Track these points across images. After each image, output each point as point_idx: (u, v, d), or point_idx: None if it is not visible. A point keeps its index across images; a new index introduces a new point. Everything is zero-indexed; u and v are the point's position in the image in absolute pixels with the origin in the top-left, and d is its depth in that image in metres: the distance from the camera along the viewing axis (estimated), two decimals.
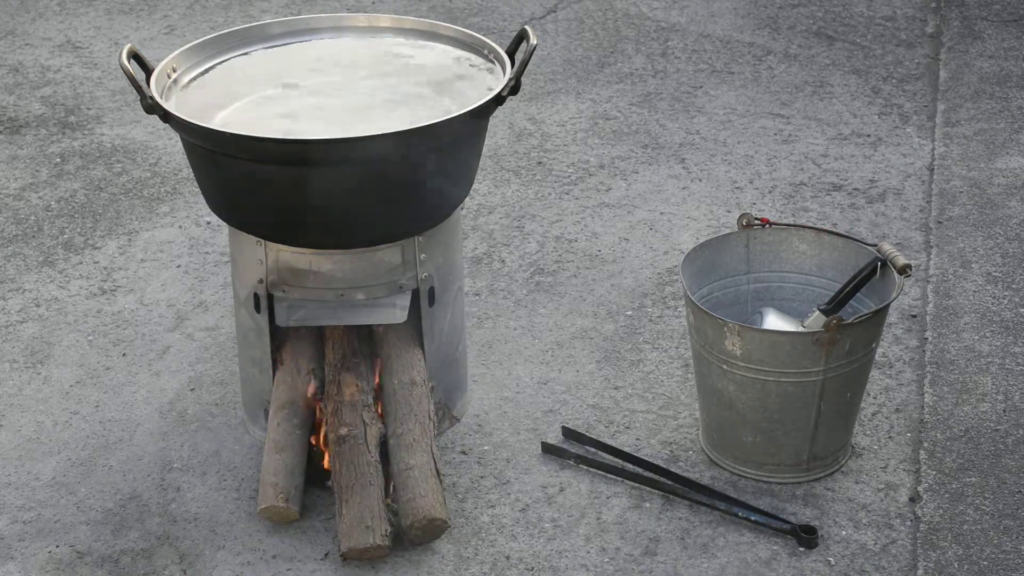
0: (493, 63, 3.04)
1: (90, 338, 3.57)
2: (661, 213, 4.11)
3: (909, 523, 2.94)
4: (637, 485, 3.04)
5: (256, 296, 3.01)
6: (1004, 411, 3.26)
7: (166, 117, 2.83)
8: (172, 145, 4.47)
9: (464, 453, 3.15)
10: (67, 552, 2.90)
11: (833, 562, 2.85)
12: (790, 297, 3.18)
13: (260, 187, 2.81)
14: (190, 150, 2.93)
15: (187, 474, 3.10)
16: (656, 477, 3.04)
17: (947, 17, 5.47)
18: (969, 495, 3.01)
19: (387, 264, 2.96)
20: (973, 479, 3.06)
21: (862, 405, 3.14)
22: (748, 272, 3.20)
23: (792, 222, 3.94)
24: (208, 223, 4.06)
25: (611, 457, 3.11)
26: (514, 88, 2.92)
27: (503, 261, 3.88)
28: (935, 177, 4.29)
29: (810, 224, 3.85)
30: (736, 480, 3.06)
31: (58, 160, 4.47)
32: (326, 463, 2.99)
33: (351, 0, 5.61)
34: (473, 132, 2.93)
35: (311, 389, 3.05)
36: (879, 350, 3.30)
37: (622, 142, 4.54)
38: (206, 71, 3.07)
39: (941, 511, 2.97)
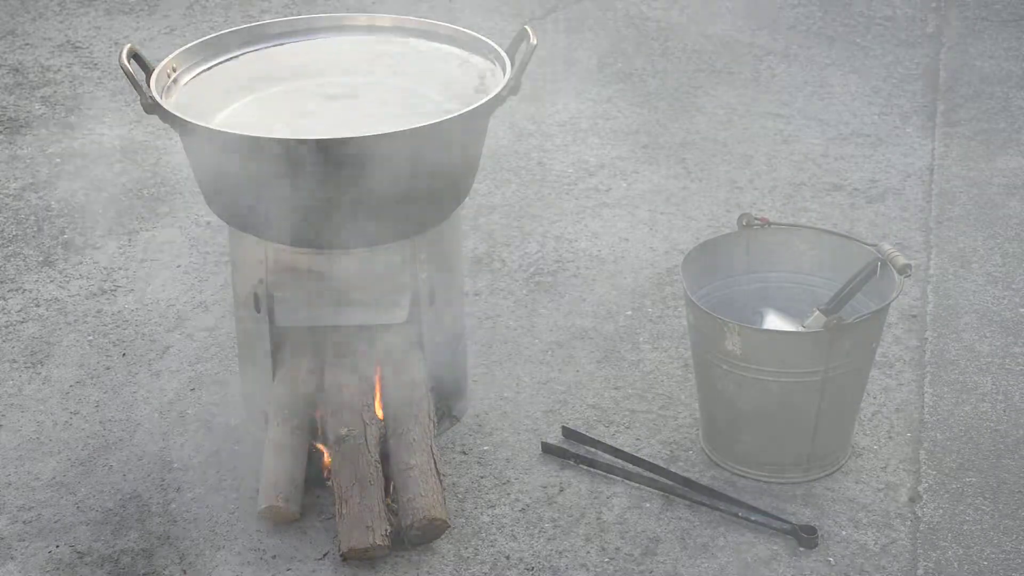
0: (493, 63, 3.04)
1: (90, 338, 3.57)
2: (661, 213, 4.11)
3: (909, 523, 2.94)
4: (637, 485, 3.04)
5: (256, 296, 3.01)
6: (1004, 411, 3.26)
7: (166, 117, 2.83)
8: (172, 145, 4.47)
9: (464, 453, 3.15)
10: (67, 552, 2.90)
11: (833, 562, 2.85)
12: (790, 297, 3.18)
13: (260, 187, 2.81)
14: (190, 150, 2.93)
15: (187, 474, 3.10)
16: (656, 477, 3.04)
17: (947, 17, 5.47)
18: (969, 495, 3.01)
19: (387, 264, 2.96)
20: (973, 479, 3.06)
21: (862, 405, 3.14)
22: (748, 272, 3.20)
23: (792, 222, 3.94)
24: (208, 223, 4.06)
25: (611, 457, 3.11)
26: (514, 88, 2.92)
27: (503, 261, 3.88)
28: (935, 177, 4.29)
29: (810, 224, 3.86)
30: (736, 480, 3.06)
31: (58, 160, 4.47)
32: (326, 463, 2.99)
33: (351, 0, 5.61)
34: (473, 132, 2.93)
35: (311, 389, 3.05)
36: (879, 350, 3.30)
37: (622, 142, 4.54)
38: (206, 71, 3.07)
39: (941, 511, 2.97)
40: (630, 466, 3.08)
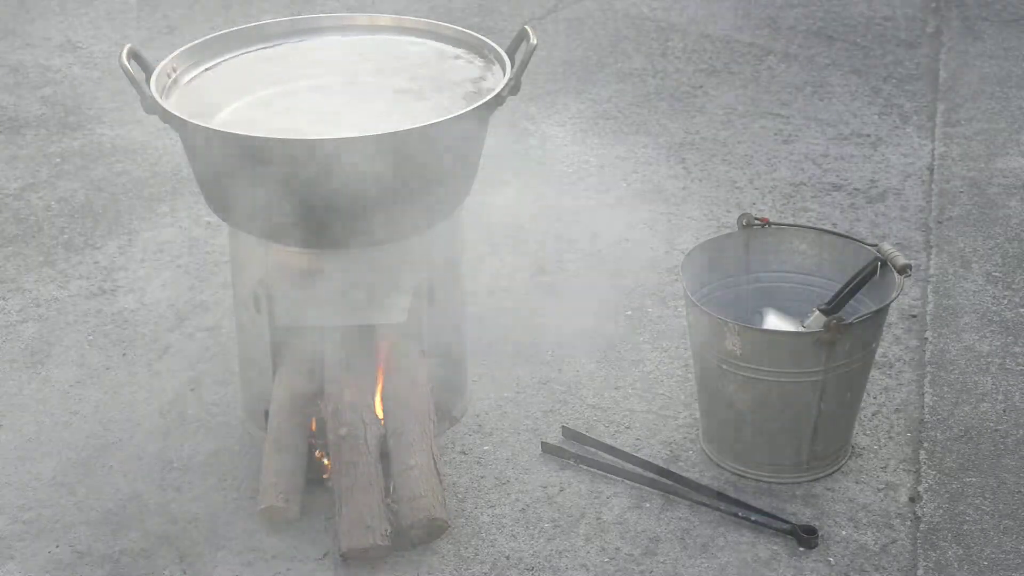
0: (493, 63, 3.04)
1: (90, 338, 3.57)
2: (661, 213, 4.11)
3: (909, 523, 2.94)
4: (637, 485, 3.04)
5: (256, 296, 3.01)
6: (1004, 411, 3.26)
7: (166, 117, 2.83)
8: (172, 145, 4.47)
9: (464, 453, 3.15)
10: (67, 552, 2.90)
11: (833, 562, 2.85)
12: (790, 297, 3.18)
13: (260, 187, 2.81)
14: (190, 150, 2.93)
15: (187, 474, 3.10)
16: (656, 477, 3.04)
17: (947, 17, 5.47)
18: (969, 495, 3.01)
19: (387, 264, 2.96)
20: (973, 479, 3.06)
21: (862, 405, 3.14)
22: (748, 272, 3.20)
23: (792, 222, 3.94)
24: (208, 223, 4.06)
25: (611, 457, 3.11)
26: (514, 88, 2.92)
27: (503, 261, 3.88)
28: (935, 177, 4.29)
29: (810, 224, 3.86)
30: (736, 480, 3.06)
31: (58, 160, 4.47)
32: (326, 463, 2.99)
33: (352, 0, 5.61)
34: (473, 132, 2.93)
35: (311, 389, 3.05)
36: (879, 350, 3.30)
37: (622, 142, 4.54)
38: (206, 71, 3.07)
39: (941, 511, 2.97)
40: (630, 466, 3.08)
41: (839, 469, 3.08)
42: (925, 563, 2.84)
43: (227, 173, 2.85)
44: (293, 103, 2.99)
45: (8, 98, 4.89)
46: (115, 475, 3.10)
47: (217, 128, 2.82)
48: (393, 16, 3.24)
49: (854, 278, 3.04)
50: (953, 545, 2.88)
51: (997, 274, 3.78)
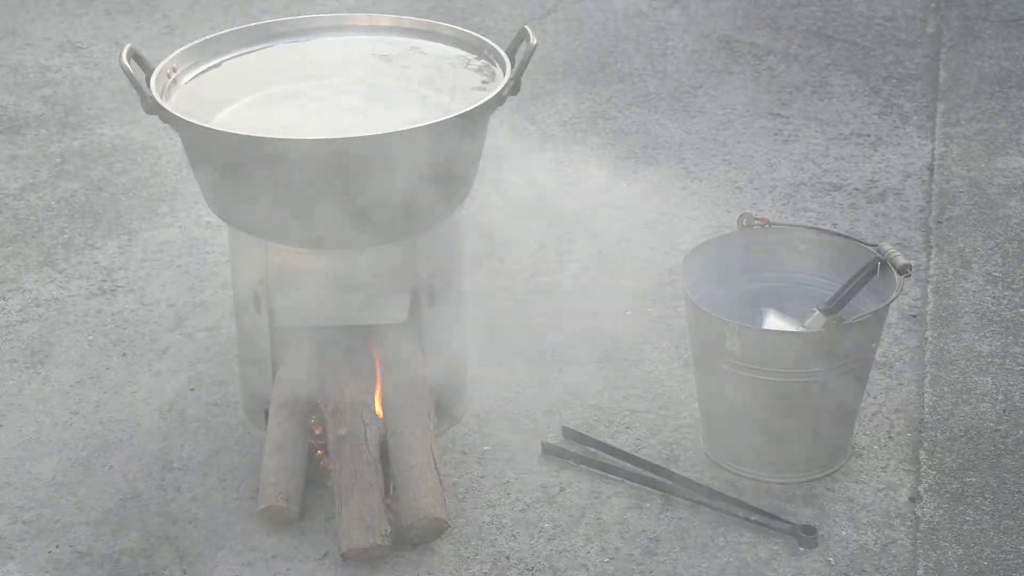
0: (493, 63, 3.04)
1: (90, 338, 3.57)
2: (661, 213, 4.11)
3: (909, 523, 2.94)
4: (637, 485, 3.04)
5: (256, 296, 3.01)
6: (1004, 411, 3.26)
7: (166, 117, 2.83)
8: (172, 145, 4.47)
9: (464, 453, 3.15)
10: (67, 552, 2.90)
11: (833, 562, 2.85)
12: (790, 297, 3.18)
13: (260, 187, 2.81)
14: (190, 150, 2.93)
15: (187, 474, 3.10)
16: (656, 477, 3.04)
17: (947, 17, 5.47)
18: (969, 495, 3.01)
19: (387, 264, 2.96)
20: (973, 479, 3.06)
21: (862, 405, 3.14)
22: (748, 272, 3.20)
23: (792, 222, 3.94)
24: (208, 223, 4.06)
25: (611, 457, 3.11)
26: (514, 88, 2.92)
27: (503, 261, 3.88)
28: (935, 177, 4.29)
29: (810, 224, 3.86)
30: (736, 480, 3.05)
31: (58, 160, 4.47)
32: (326, 463, 2.99)
33: (352, 0, 5.61)
34: (474, 132, 2.93)
35: (311, 389, 3.05)
36: (879, 350, 3.30)
37: (622, 142, 4.54)
38: (206, 71, 3.07)
39: (941, 511, 2.97)
40: (630, 466, 3.08)
41: (839, 469, 3.08)
42: (925, 563, 2.84)
43: (227, 173, 2.85)
44: (293, 103, 2.99)
45: (8, 98, 4.89)
46: (115, 475, 3.10)
47: (217, 128, 2.82)
48: (393, 16, 3.24)
49: (854, 278, 3.04)
50: (953, 545, 2.88)
51: (997, 274, 3.78)
